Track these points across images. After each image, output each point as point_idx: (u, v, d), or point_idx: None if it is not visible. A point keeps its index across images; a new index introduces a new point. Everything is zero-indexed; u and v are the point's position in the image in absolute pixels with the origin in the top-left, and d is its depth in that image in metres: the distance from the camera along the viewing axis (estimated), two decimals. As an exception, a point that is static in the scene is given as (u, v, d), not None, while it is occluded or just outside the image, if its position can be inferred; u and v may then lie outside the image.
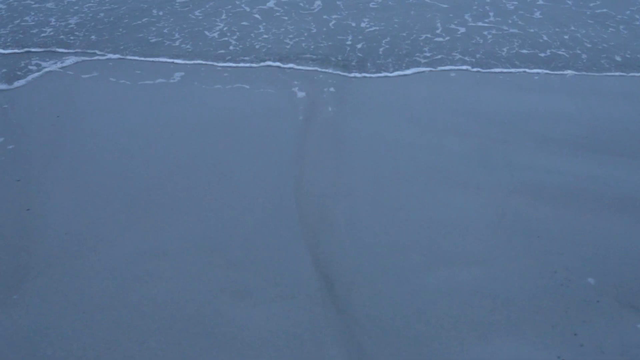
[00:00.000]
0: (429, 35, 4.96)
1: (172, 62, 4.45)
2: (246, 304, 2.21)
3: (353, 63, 4.41)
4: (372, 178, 2.98)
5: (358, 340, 2.06)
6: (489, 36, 4.97)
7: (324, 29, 5.14)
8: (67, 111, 3.71)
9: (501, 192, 2.85)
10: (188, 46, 4.77)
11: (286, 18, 5.41)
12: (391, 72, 4.28)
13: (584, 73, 4.28)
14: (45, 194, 2.89)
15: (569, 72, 4.29)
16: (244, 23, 5.29)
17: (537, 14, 5.45)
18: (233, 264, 2.42)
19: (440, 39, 4.89)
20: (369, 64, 4.40)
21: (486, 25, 5.22)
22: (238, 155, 3.20)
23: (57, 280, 2.33)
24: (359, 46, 4.73)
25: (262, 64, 4.45)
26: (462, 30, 5.09)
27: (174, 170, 3.07)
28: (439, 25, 5.20)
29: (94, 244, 2.54)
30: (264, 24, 5.27)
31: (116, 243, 2.54)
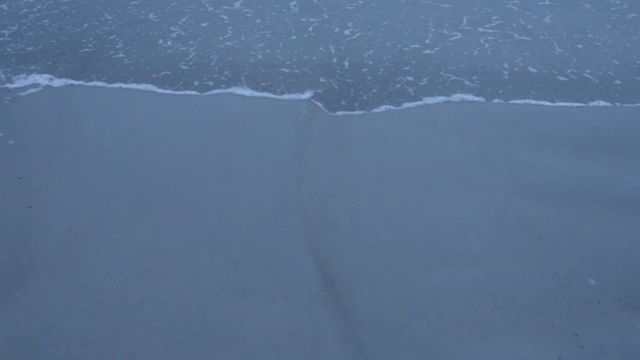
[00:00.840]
0: (417, 46, 4.24)
1: (106, 87, 3.83)
2: (248, 303, 2.22)
3: (334, 99, 3.65)
4: (374, 177, 2.98)
5: (359, 339, 2.06)
6: (487, 44, 4.25)
7: (305, 35, 4.47)
8: (69, 109, 3.71)
9: (502, 192, 2.85)
10: (132, 60, 4.04)
11: (259, 21, 4.78)
12: (364, 111, 3.60)
13: (618, 104, 3.46)
14: (46, 192, 2.89)
15: (600, 102, 3.46)
16: (204, 24, 4.56)
17: (547, 19, 4.94)
18: (235, 262, 2.42)
19: (429, 52, 4.10)
20: (349, 102, 3.61)
21: (488, 30, 4.55)
22: (240, 154, 3.20)
23: (58, 278, 2.34)
24: (346, 64, 3.98)
25: (223, 90, 3.71)
26: (457, 36, 4.42)
27: (176, 169, 3.06)
28: (431, 29, 4.49)
29: (96, 242, 2.54)
30: (231, 27, 4.61)
31: (118, 241, 2.54)
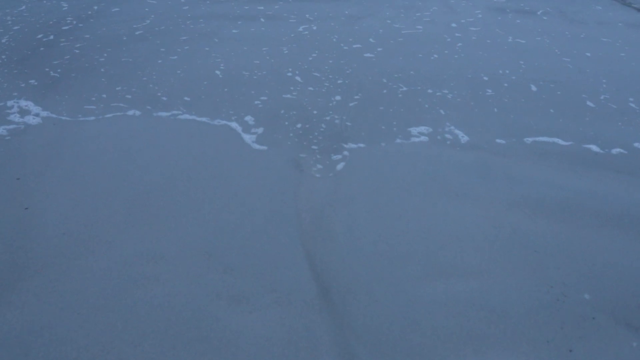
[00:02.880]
0: (359, 46, 3.35)
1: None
2: (242, 310, 2.21)
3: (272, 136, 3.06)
4: (371, 187, 2.98)
5: (353, 349, 2.05)
6: (457, 51, 3.44)
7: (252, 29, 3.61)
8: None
9: (500, 205, 2.86)
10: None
11: (187, 7, 3.86)
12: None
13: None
14: (44, 193, 2.88)
15: None
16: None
17: (539, 28, 4.73)
18: (230, 268, 2.41)
19: (370, 55, 3.22)
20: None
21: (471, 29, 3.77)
22: (238, 159, 3.21)
23: (53, 280, 2.33)
24: (299, 79, 3.28)
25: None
26: (420, 29, 3.49)
27: (174, 173, 3.07)
28: (387, 22, 3.65)
29: (92, 244, 2.53)
30: (152, 16, 3.40)
31: (114, 244, 2.53)
